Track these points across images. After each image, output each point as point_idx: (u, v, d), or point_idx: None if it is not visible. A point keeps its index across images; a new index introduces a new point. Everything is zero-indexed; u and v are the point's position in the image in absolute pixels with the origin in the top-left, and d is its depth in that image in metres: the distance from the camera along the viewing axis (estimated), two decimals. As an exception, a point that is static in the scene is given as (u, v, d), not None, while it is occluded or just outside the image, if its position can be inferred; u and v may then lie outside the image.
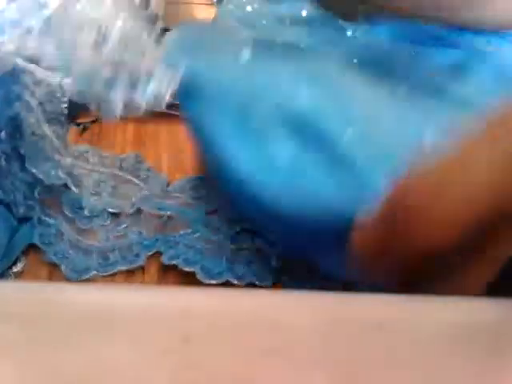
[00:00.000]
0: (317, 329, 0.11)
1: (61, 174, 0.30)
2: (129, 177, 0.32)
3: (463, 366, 0.11)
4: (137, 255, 0.28)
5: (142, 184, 0.32)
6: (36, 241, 0.27)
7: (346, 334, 0.11)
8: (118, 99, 0.23)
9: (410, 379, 0.10)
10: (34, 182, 0.28)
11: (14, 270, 0.27)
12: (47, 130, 0.28)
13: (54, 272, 0.28)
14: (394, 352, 0.11)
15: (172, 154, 0.39)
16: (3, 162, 0.26)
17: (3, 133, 0.25)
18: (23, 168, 0.28)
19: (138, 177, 0.32)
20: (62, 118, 0.29)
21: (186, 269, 0.28)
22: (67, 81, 0.31)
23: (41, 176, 0.28)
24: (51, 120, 0.28)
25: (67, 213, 0.29)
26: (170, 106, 0.45)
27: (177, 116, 0.43)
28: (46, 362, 0.10)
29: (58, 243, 0.28)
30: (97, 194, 0.31)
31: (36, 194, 0.28)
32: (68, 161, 0.31)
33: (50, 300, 0.12)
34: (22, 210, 0.27)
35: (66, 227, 0.29)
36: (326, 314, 0.12)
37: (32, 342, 0.10)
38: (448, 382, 0.10)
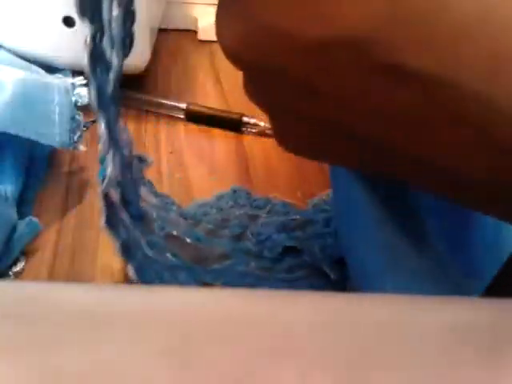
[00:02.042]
0: (317, 329, 0.11)
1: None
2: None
3: (463, 366, 0.11)
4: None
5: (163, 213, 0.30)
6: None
7: (346, 334, 0.11)
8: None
9: (410, 379, 0.10)
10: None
11: (14, 270, 0.27)
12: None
13: (54, 272, 0.28)
14: (394, 352, 0.11)
15: (172, 154, 0.39)
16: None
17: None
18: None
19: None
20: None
21: None
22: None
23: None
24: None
25: None
26: (170, 107, 0.45)
27: (176, 117, 0.43)
28: (45, 362, 0.10)
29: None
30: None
31: None
32: None
33: (49, 300, 0.12)
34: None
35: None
36: (326, 314, 0.12)
37: (32, 342, 0.10)
38: (448, 382, 0.10)
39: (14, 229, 0.28)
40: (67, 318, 0.11)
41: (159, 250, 0.27)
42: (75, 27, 0.39)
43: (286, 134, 0.19)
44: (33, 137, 0.31)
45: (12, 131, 0.30)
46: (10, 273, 0.27)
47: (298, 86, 0.15)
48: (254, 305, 0.12)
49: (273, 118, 0.19)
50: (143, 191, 0.29)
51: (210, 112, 0.42)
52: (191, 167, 0.37)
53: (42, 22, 0.40)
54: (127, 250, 0.24)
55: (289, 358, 0.10)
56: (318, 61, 0.14)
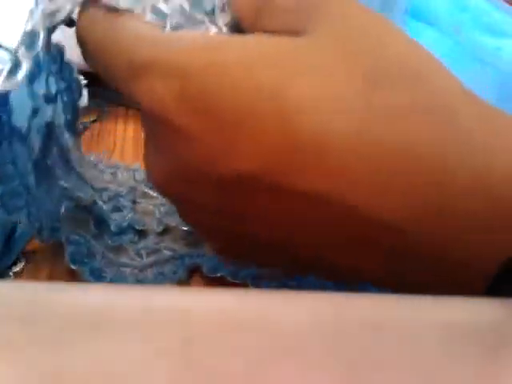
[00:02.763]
0: (317, 329, 0.11)
1: (86, 187, 0.28)
2: (145, 190, 0.31)
3: (464, 367, 0.11)
4: (174, 272, 0.27)
5: (159, 196, 0.30)
6: (68, 262, 0.25)
7: (346, 334, 0.11)
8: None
9: (410, 379, 0.10)
10: (60, 199, 0.27)
11: (14, 270, 0.27)
12: (68, 137, 0.27)
13: (54, 272, 0.28)
14: (394, 352, 0.11)
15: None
16: (32, 180, 0.24)
17: (36, 143, 0.24)
18: (50, 183, 0.26)
19: (153, 189, 0.31)
20: (76, 124, 0.28)
21: (234, 280, 0.26)
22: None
23: (69, 189, 0.26)
24: (69, 127, 0.27)
25: (94, 229, 0.27)
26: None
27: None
28: (46, 361, 0.10)
29: (91, 262, 0.26)
30: (118, 209, 0.29)
31: (63, 210, 0.26)
32: (90, 173, 0.29)
33: (49, 300, 0.12)
34: (46, 234, 0.26)
35: (95, 245, 0.27)
36: (326, 314, 0.12)
37: (32, 342, 0.10)
38: (448, 382, 0.10)
39: (14, 229, 0.28)
40: (67, 318, 0.11)
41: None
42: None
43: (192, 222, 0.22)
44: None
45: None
46: (10, 273, 0.27)
47: (214, 211, 0.18)
48: (254, 305, 0.12)
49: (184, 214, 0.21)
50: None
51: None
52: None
53: (41, 21, 0.40)
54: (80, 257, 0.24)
55: (289, 358, 0.10)
56: (225, 190, 0.17)
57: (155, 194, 0.30)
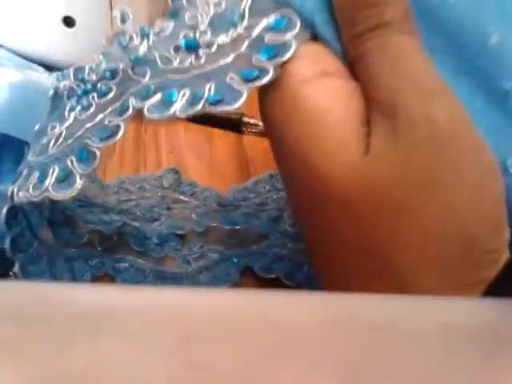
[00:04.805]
0: (317, 329, 0.11)
1: (114, 216, 0.28)
2: (176, 195, 0.31)
3: (463, 367, 0.11)
4: (227, 274, 0.27)
5: (193, 200, 0.30)
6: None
7: (346, 334, 0.11)
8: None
9: (410, 379, 0.10)
10: (92, 234, 0.26)
11: (14, 270, 0.27)
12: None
13: (53, 272, 0.28)
14: (394, 352, 0.11)
15: (172, 154, 0.39)
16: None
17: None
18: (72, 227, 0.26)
19: (183, 193, 0.30)
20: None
21: (289, 282, 0.26)
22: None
23: (100, 227, 0.26)
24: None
25: (137, 248, 0.27)
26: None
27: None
28: (45, 361, 0.10)
29: (144, 280, 0.26)
30: (155, 220, 0.29)
31: (97, 245, 0.26)
32: (113, 199, 0.29)
33: (49, 300, 0.12)
34: (94, 269, 0.26)
35: (141, 262, 0.27)
36: (326, 314, 0.12)
37: (32, 342, 0.10)
38: (448, 382, 0.10)
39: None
40: (67, 318, 0.11)
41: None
42: (75, 27, 0.39)
43: None
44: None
45: (12, 134, 0.30)
46: (10, 273, 0.27)
47: None
48: (254, 305, 0.12)
49: None
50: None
51: (211, 113, 0.42)
52: (191, 167, 0.37)
53: (41, 21, 0.40)
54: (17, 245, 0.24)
55: (289, 358, 0.10)
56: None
57: (187, 199, 0.30)
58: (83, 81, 0.21)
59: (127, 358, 0.10)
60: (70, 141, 0.19)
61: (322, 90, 0.17)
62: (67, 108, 0.21)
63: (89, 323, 0.11)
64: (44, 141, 0.21)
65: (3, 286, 0.14)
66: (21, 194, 0.19)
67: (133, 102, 0.18)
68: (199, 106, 0.17)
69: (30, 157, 0.21)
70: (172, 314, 0.12)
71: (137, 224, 0.28)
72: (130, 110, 0.18)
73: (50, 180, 0.19)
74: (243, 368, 0.10)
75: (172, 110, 0.18)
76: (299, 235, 0.29)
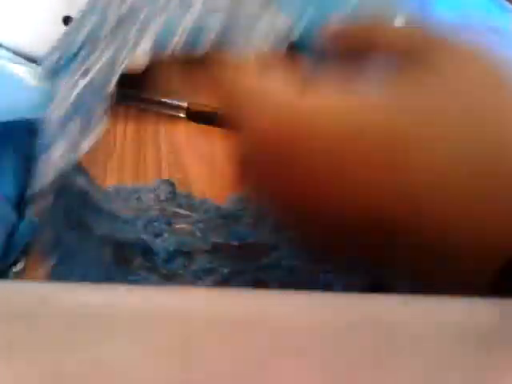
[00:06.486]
0: (317, 329, 0.11)
1: (122, 225, 0.27)
2: (173, 209, 0.30)
3: (463, 367, 0.11)
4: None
5: (192, 214, 0.29)
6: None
7: (346, 334, 0.11)
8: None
9: (410, 379, 0.10)
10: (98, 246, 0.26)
11: (14, 270, 0.27)
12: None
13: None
14: (394, 352, 0.11)
15: (172, 154, 0.39)
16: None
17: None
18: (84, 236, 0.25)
19: (181, 206, 0.30)
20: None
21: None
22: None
23: (117, 234, 0.25)
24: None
25: (145, 263, 0.26)
26: (170, 106, 0.45)
27: (177, 116, 0.43)
28: (46, 361, 0.10)
29: None
30: (158, 235, 0.28)
31: (109, 257, 0.26)
32: (117, 205, 0.28)
33: (49, 300, 0.12)
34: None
35: (153, 277, 0.26)
36: (326, 314, 0.12)
37: (32, 342, 0.10)
38: (448, 381, 0.10)
39: (14, 229, 0.28)
40: (67, 318, 0.11)
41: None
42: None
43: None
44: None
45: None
46: (10, 273, 0.27)
47: None
48: (253, 305, 0.12)
49: None
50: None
51: (212, 111, 0.42)
52: (191, 167, 0.37)
53: (41, 21, 0.40)
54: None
55: (289, 358, 0.10)
56: None
57: (186, 212, 0.29)
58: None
59: (127, 358, 0.10)
60: None
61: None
62: None
63: (89, 323, 0.11)
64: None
65: (3, 286, 0.14)
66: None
67: None
68: None
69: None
70: (172, 314, 0.12)
71: (144, 237, 0.27)
72: None
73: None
74: (243, 368, 0.10)
75: None
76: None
